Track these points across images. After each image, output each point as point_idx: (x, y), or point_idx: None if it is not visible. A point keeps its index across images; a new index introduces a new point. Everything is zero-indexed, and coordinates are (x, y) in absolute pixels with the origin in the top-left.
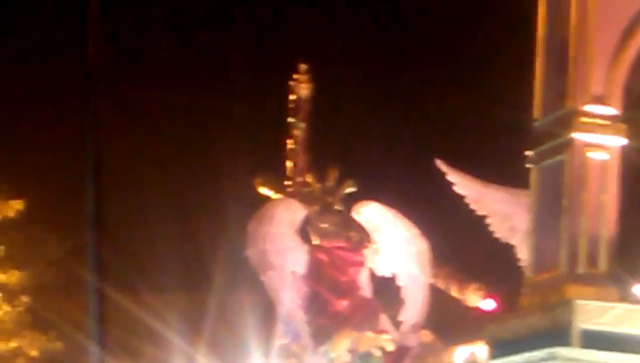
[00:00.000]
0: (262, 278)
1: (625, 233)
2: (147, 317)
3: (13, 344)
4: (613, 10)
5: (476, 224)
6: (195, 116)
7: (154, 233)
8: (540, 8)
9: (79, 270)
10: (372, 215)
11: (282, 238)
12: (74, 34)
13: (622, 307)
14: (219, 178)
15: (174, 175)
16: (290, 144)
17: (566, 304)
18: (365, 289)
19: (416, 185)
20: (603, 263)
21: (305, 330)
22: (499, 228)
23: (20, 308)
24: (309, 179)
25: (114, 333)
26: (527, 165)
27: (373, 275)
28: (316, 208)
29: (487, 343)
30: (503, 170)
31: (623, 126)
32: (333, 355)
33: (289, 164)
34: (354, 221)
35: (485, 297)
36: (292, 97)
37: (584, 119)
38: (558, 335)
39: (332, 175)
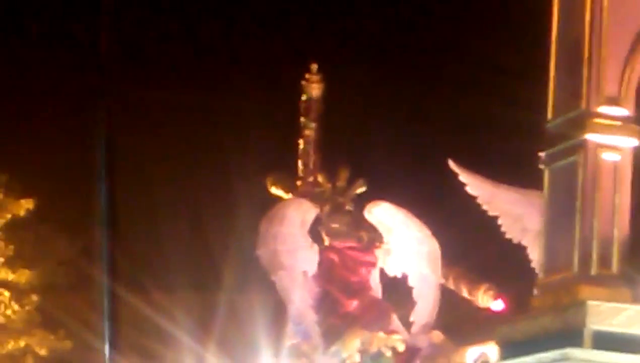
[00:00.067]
0: (272, 278)
1: (638, 234)
2: (156, 316)
3: (22, 343)
4: (627, 10)
5: (488, 225)
6: (206, 116)
7: (165, 233)
8: (554, 8)
9: (88, 269)
10: (384, 215)
11: (293, 238)
12: (86, 33)
13: (634, 309)
14: (230, 178)
15: (185, 174)
16: (301, 143)
17: (578, 305)
18: (376, 289)
19: (427, 185)
20: (616, 265)
21: (315, 330)
22: (511, 229)
23: (29, 307)
24: (320, 178)
25: (124, 332)
26: (540, 166)
27: (384, 276)
28: (327, 208)
29: (498, 344)
30: (515, 171)
31: (636, 127)
32: (344, 355)
33: (300, 163)
34: (365, 221)
35: (496, 298)
36: (303, 97)
37: (598, 120)
38: (570, 336)
39: (344, 175)
